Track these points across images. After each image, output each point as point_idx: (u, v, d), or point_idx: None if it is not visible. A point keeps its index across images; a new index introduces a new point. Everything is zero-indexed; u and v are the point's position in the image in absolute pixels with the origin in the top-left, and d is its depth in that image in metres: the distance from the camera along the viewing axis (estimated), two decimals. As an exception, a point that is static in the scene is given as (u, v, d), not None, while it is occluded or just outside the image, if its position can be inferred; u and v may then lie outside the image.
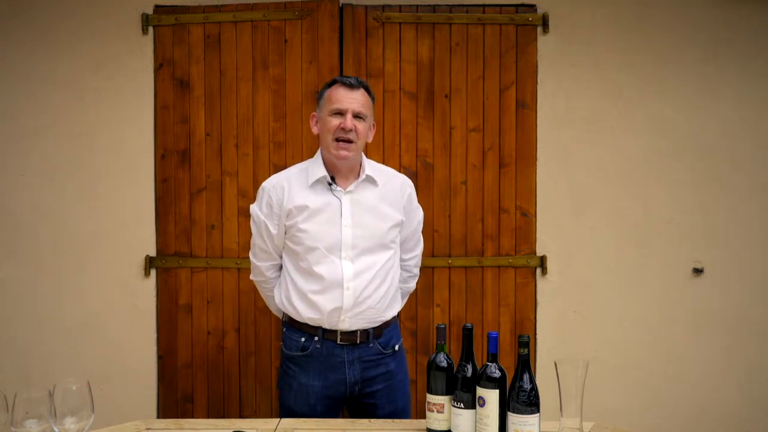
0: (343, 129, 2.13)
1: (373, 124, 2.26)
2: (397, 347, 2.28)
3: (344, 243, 2.16)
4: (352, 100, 2.15)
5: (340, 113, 2.14)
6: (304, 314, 2.18)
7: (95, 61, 3.06)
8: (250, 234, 2.32)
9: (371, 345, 2.21)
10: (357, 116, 2.15)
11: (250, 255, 2.34)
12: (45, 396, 1.54)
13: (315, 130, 2.25)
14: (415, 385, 2.95)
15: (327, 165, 2.21)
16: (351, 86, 2.16)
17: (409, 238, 2.37)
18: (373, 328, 2.21)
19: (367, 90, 2.21)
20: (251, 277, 2.39)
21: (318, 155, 2.25)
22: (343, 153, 2.14)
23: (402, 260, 2.37)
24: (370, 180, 2.23)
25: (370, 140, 2.27)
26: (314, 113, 2.27)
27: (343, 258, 2.16)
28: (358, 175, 2.22)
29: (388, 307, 2.24)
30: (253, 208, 2.27)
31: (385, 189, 2.25)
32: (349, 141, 2.14)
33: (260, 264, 2.30)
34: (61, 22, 3.05)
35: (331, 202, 2.18)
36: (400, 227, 2.28)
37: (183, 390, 3.10)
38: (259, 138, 3.05)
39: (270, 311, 2.47)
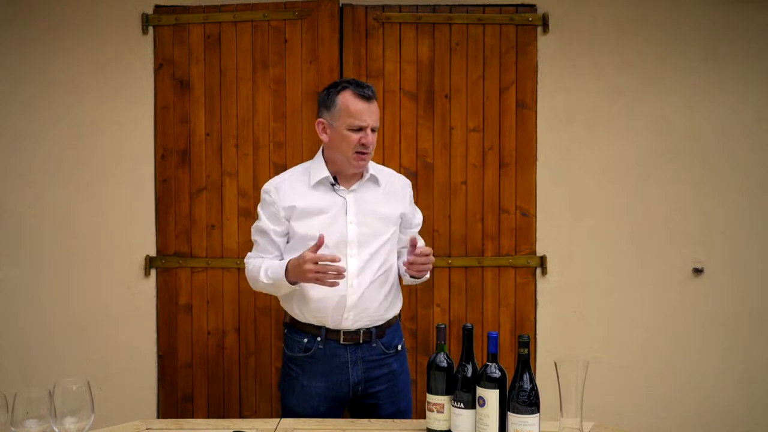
0: (364, 145, 2.14)
1: None
2: (399, 347, 2.29)
3: (350, 240, 2.17)
4: (371, 114, 2.15)
5: (361, 129, 2.14)
6: (307, 313, 2.19)
7: (95, 61, 3.05)
8: (250, 234, 2.31)
9: (374, 345, 2.21)
10: (372, 129, 2.17)
11: (249, 254, 2.29)
12: (45, 396, 1.54)
13: (324, 137, 2.20)
14: (415, 385, 2.95)
15: (329, 166, 2.21)
16: (368, 99, 2.15)
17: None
18: (376, 328, 2.21)
19: (375, 96, 2.21)
20: (246, 265, 2.28)
21: (319, 156, 2.25)
22: (363, 163, 2.19)
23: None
24: (374, 180, 2.25)
25: None
26: (322, 120, 2.20)
27: (348, 255, 2.16)
28: (361, 175, 2.24)
29: (391, 305, 2.25)
30: (258, 208, 2.27)
31: (388, 188, 2.28)
32: (367, 152, 2.17)
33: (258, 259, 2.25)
34: (61, 23, 3.05)
35: (335, 201, 2.19)
36: (400, 225, 2.29)
37: (183, 390, 3.10)
38: (259, 138, 3.04)
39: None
